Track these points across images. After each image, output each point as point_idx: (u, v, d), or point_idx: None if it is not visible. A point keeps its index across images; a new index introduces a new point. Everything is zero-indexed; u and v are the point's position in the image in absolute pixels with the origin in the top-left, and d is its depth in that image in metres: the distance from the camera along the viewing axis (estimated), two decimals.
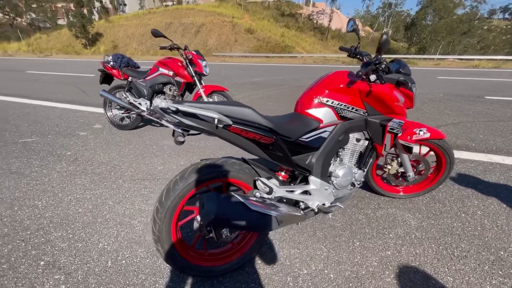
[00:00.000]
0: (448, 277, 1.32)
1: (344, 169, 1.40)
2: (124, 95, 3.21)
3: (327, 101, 1.30)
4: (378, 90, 1.31)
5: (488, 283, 1.28)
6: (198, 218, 1.15)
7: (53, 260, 1.44)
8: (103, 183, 2.19)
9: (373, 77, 1.32)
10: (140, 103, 3.18)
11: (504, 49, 37.92)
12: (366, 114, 1.37)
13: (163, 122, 1.04)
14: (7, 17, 44.33)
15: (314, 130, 1.30)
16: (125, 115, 3.45)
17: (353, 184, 1.48)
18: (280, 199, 1.30)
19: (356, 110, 1.34)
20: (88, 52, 29.54)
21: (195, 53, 3.02)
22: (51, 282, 1.31)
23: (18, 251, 1.49)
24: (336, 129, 1.34)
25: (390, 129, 1.42)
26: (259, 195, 1.20)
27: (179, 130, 1.05)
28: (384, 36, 1.10)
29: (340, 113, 1.32)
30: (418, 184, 1.89)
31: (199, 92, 3.06)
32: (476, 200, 1.93)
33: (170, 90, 3.16)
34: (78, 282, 1.31)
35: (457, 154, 2.68)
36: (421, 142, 1.66)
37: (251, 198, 1.16)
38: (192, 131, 1.10)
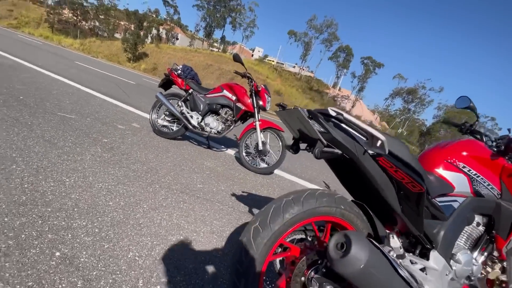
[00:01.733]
0: None
1: (467, 255, 1.12)
2: (179, 104, 3.13)
3: (464, 166, 1.12)
4: None
5: None
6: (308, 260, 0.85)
7: (71, 254, 1.10)
8: (138, 182, 1.91)
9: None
10: (192, 116, 3.08)
11: None
12: (500, 196, 1.16)
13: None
14: (74, 17, 49.76)
15: (445, 196, 1.08)
16: (168, 124, 3.32)
17: (468, 278, 1.17)
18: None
19: (491, 187, 1.14)
20: (129, 66, 31.79)
21: (264, 87, 3.03)
22: (64, 284, 0.95)
23: (32, 228, 1.17)
24: (466, 202, 1.12)
25: None
26: (393, 256, 0.92)
27: (323, 144, 0.85)
28: None
29: (474, 185, 1.12)
30: None
31: (254, 124, 2.96)
32: None
33: (225, 113, 3.09)
34: None
35: None
36: None
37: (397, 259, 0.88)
38: (323, 149, 0.89)
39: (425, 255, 1.06)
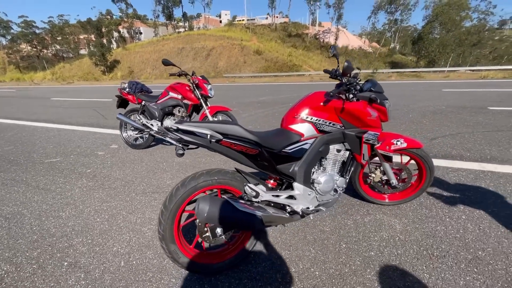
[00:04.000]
0: (425, 274, 1.43)
1: (325, 176, 1.58)
2: (138, 118, 3.55)
3: (307, 117, 1.52)
4: (351, 107, 1.52)
5: (462, 279, 1.39)
6: (197, 220, 1.35)
7: (74, 261, 1.66)
8: (118, 196, 2.44)
9: (345, 96, 1.53)
10: (152, 124, 3.48)
11: None
12: (343, 127, 1.57)
13: (168, 139, 1.29)
14: (34, 49, 48.23)
15: (296, 143, 1.51)
16: (139, 135, 3.78)
17: (335, 190, 1.65)
18: (268, 203, 1.49)
19: (333, 124, 1.55)
20: (106, 78, 31.50)
21: (200, 78, 3.35)
22: (73, 279, 1.52)
23: (46, 254, 1.73)
24: (316, 141, 1.54)
25: (366, 140, 1.61)
26: (246, 198, 1.40)
27: (180, 145, 1.29)
28: (346, 63, 1.33)
29: (319, 127, 1.53)
30: (403, 191, 2.03)
31: (205, 113, 3.36)
32: (462, 205, 2.03)
33: (179, 111, 3.48)
34: (96, 278, 1.52)
35: (451, 163, 2.78)
36: (399, 151, 1.83)
37: (240, 200, 1.36)
38: (191, 146, 1.33)
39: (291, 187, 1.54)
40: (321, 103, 1.52)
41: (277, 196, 1.50)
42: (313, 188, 1.58)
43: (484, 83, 10.26)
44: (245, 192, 1.43)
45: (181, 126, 1.25)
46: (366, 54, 41.06)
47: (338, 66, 1.81)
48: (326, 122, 1.53)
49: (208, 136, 1.26)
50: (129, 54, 36.30)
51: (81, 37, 53.29)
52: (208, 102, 3.47)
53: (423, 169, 1.89)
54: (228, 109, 3.34)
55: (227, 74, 26.36)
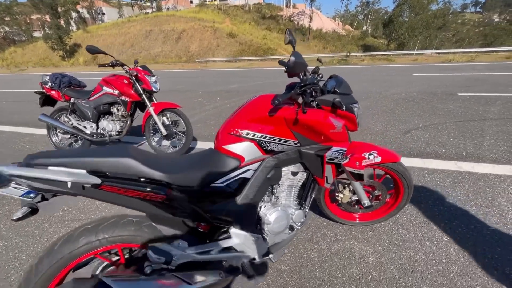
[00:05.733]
0: None
1: (276, 212, 1.17)
2: (67, 119, 2.90)
3: (248, 133, 1.07)
4: (308, 117, 1.09)
5: None
6: None
7: None
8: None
9: (300, 101, 1.10)
10: (85, 126, 2.88)
11: (477, 41, 39.27)
12: (299, 144, 1.15)
13: (6, 192, 0.77)
14: None
15: (234, 171, 1.07)
16: (73, 139, 3.14)
17: (291, 228, 1.25)
18: (192, 263, 1.04)
19: (284, 141, 1.12)
20: (66, 64, 28.63)
21: (141, 68, 2.75)
22: None
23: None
24: (262, 165, 1.11)
25: (329, 159, 1.20)
26: (150, 269, 0.95)
27: (29, 199, 0.79)
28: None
29: (264, 146, 1.09)
30: (376, 210, 1.69)
31: (149, 111, 2.79)
32: (442, 221, 1.74)
33: (118, 110, 2.88)
34: None
35: (426, 163, 2.51)
36: (372, 166, 1.46)
37: (141, 275, 0.91)
38: (47, 195, 0.83)
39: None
40: (267, 113, 1.08)
41: (208, 252, 1.06)
42: (261, 230, 1.17)
43: (451, 67, 10.41)
44: (152, 255, 0.97)
45: (25, 172, 0.75)
46: (340, 37, 40.98)
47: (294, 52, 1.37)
48: (274, 139, 1.10)
49: (70, 184, 0.77)
50: (91, 38, 33.08)
51: (34, 17, 47.61)
52: (154, 98, 2.89)
53: (400, 186, 1.54)
54: (177, 106, 2.80)
55: (200, 59, 24.95)
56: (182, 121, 2.81)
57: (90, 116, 2.84)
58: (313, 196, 1.34)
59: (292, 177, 1.24)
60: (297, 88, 1.08)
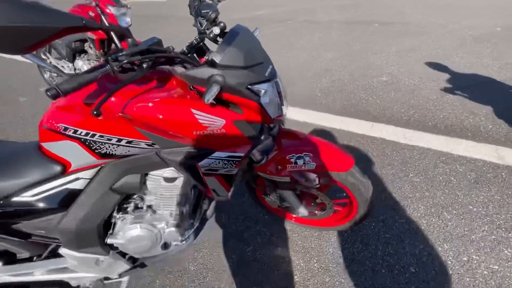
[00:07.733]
0: None
1: (134, 230, 0.87)
2: (45, 57, 2.76)
3: (66, 128, 0.71)
4: (149, 112, 0.66)
5: None
6: None
7: None
8: None
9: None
10: (62, 66, 2.72)
11: None
12: (154, 146, 0.76)
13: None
14: None
15: (53, 180, 0.76)
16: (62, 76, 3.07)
17: (165, 246, 0.96)
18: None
19: (129, 142, 0.73)
20: None
21: None
22: None
23: None
24: (102, 173, 0.78)
25: (207, 170, 0.79)
26: None
27: None
28: None
29: (95, 148, 0.73)
30: (324, 219, 1.27)
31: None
32: (407, 239, 1.26)
33: (91, 48, 2.59)
34: None
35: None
36: (301, 172, 0.98)
37: None
38: None
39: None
40: (82, 101, 0.68)
41: (27, 274, 0.86)
42: (114, 249, 0.91)
43: None
44: None
45: None
46: None
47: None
48: (109, 139, 0.72)
49: None
50: None
51: None
52: (127, 36, 2.48)
53: (352, 199, 1.06)
54: None
55: None
56: None
57: (65, 55, 2.63)
58: (203, 209, 0.99)
59: (167, 184, 0.88)
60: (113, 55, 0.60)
